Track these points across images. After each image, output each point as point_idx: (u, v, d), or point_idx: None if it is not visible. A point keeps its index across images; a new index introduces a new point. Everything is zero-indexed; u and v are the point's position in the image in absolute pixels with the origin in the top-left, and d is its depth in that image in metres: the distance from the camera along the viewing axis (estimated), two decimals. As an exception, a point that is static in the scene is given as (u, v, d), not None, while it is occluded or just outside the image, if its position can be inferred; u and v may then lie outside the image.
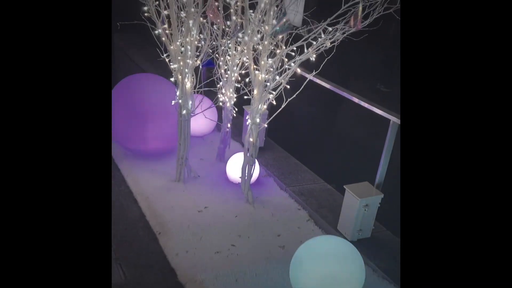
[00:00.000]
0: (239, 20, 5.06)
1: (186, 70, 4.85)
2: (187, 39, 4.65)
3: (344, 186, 4.70)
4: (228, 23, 5.08)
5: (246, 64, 5.04)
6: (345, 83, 5.93)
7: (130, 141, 5.75)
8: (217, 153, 6.14)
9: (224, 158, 6.09)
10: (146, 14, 4.65)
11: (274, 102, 4.77)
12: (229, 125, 5.84)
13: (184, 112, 5.12)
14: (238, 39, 5.19)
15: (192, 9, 4.56)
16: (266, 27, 4.31)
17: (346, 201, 4.68)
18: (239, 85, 5.48)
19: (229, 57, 5.34)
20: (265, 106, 4.78)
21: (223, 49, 5.28)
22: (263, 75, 4.56)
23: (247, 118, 4.94)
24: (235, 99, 5.61)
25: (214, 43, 5.20)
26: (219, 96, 5.63)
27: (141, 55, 9.26)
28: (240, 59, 5.30)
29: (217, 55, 5.34)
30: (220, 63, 5.35)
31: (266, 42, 4.38)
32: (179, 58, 4.80)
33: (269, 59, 4.50)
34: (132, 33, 9.80)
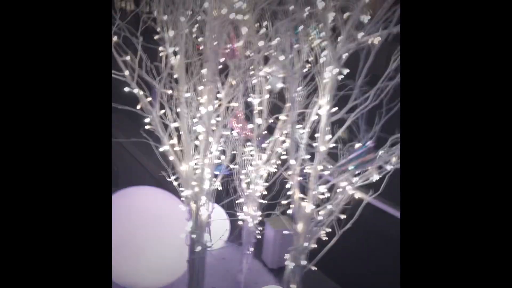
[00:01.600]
0: (264, 123, 3.91)
1: (203, 197, 3.57)
2: (206, 161, 3.40)
3: None
4: (250, 126, 3.90)
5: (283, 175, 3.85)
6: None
7: (123, 276, 4.35)
8: (235, 281, 4.79)
9: (243, 287, 4.73)
10: (147, 127, 3.40)
11: (325, 238, 3.53)
12: (251, 249, 4.54)
13: (198, 248, 3.80)
14: (264, 145, 4.03)
15: (213, 121, 3.34)
16: (322, 147, 3.11)
17: None
18: (264, 201, 4.27)
19: (252, 168, 4.12)
20: (314, 245, 3.51)
21: (244, 159, 4.07)
22: (312, 207, 3.33)
23: (286, 258, 3.65)
24: (259, 218, 4.35)
25: (233, 152, 3.99)
26: (238, 214, 4.36)
27: (140, 146, 7.86)
28: (265, 170, 4.11)
29: (236, 166, 4.11)
30: (242, 176, 4.11)
31: (319, 167, 3.17)
32: (193, 183, 3.53)
33: (321, 187, 3.28)
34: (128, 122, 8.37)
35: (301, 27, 3.18)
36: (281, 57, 3.02)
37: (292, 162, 3.22)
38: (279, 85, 3.36)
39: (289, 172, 3.32)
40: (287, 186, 3.44)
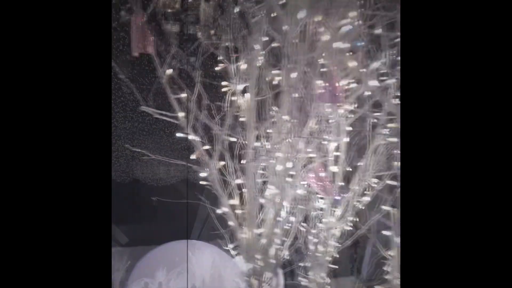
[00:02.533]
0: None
1: (269, 274, 2.78)
2: (275, 229, 2.63)
3: None
4: (323, 175, 3.12)
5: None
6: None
7: None
8: None
9: None
10: (204, 183, 2.65)
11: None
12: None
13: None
14: (339, 198, 3.25)
15: (288, 178, 2.57)
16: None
17: None
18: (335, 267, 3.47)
19: (321, 225, 3.33)
20: None
21: (314, 215, 3.29)
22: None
23: None
24: (328, 287, 3.54)
25: (302, 207, 3.21)
26: (301, 281, 3.56)
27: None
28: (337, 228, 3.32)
29: (304, 224, 3.33)
30: (310, 236, 3.32)
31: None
32: (255, 255, 2.75)
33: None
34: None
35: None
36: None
37: (397, 240, 2.40)
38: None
39: (391, 253, 2.51)
40: (386, 268, 2.62)
